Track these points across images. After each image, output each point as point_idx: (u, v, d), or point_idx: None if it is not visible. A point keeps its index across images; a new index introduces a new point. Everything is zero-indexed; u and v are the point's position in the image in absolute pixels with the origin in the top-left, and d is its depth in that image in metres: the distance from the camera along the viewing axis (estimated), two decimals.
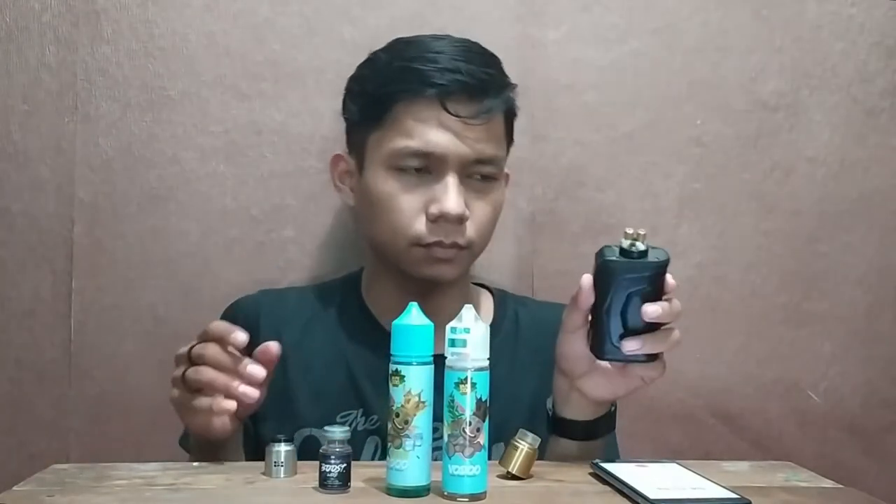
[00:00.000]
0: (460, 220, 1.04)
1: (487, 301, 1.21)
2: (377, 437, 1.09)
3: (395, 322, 0.83)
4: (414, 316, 0.83)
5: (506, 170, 1.17)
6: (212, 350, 0.91)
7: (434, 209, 1.04)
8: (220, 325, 0.93)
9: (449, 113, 1.03)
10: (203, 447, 0.98)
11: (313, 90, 1.29)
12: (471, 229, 1.07)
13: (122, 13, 1.27)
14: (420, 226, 1.05)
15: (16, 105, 1.26)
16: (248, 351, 1.13)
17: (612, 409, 1.02)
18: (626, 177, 1.36)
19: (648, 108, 1.36)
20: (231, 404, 0.91)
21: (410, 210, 1.05)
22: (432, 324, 0.83)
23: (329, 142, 1.27)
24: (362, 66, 1.13)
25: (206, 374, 0.91)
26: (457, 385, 0.81)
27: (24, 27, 1.26)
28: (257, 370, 0.91)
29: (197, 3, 1.28)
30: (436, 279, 1.08)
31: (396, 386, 0.82)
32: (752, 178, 1.38)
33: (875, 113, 1.39)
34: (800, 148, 1.38)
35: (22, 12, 1.26)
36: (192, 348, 0.93)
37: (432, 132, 1.03)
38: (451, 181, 1.04)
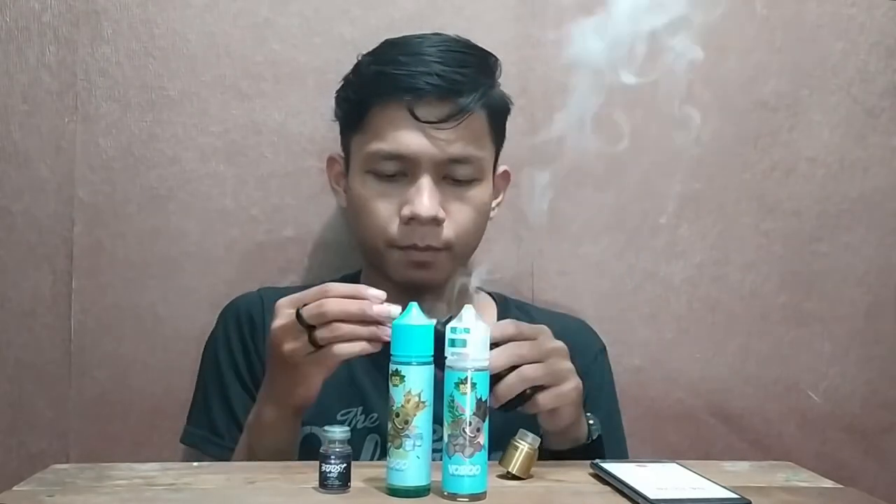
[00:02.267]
0: (434, 222, 1.05)
1: (490, 306, 1.21)
2: (377, 434, 1.09)
3: (395, 322, 0.83)
4: (414, 316, 0.83)
5: (506, 168, 1.17)
6: (337, 305, 0.88)
7: (406, 211, 1.04)
8: (346, 287, 0.90)
9: (416, 118, 1.03)
10: (294, 416, 0.97)
11: (313, 90, 1.29)
12: (449, 231, 1.06)
13: (122, 13, 1.27)
14: (394, 228, 1.06)
15: (16, 105, 1.26)
16: (246, 350, 1.13)
17: (582, 441, 1.00)
18: (626, 177, 1.36)
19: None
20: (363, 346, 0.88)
21: (386, 212, 1.06)
22: (432, 324, 0.83)
23: (329, 142, 1.26)
24: (351, 70, 1.14)
25: (334, 332, 0.87)
26: (457, 385, 0.81)
27: (24, 27, 1.26)
28: (393, 309, 0.87)
29: (197, 3, 1.28)
30: (416, 283, 1.08)
31: (396, 386, 0.82)
32: (752, 178, 1.38)
33: (875, 113, 1.39)
34: (800, 148, 1.38)
35: (22, 12, 1.26)
36: (298, 316, 0.89)
37: (403, 134, 1.04)
38: (425, 183, 1.05)
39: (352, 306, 0.88)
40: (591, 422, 1.02)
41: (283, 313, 0.91)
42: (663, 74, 1.36)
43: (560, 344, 0.95)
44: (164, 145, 1.28)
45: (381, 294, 0.89)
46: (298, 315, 0.89)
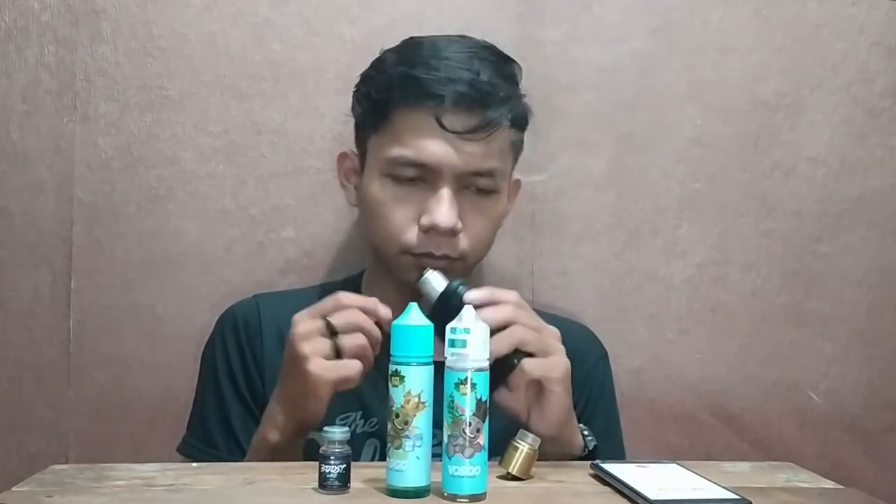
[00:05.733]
0: (452, 232, 1.03)
1: None
2: (376, 439, 1.08)
3: (395, 322, 0.83)
4: (414, 316, 0.83)
5: (517, 177, 1.16)
6: (363, 319, 0.94)
7: (425, 220, 1.02)
8: (360, 298, 0.96)
9: (444, 128, 1.01)
10: (298, 436, 0.99)
11: (313, 90, 1.29)
12: (464, 242, 1.05)
13: (121, 13, 1.27)
14: (411, 235, 1.04)
15: (15, 105, 1.26)
16: (244, 359, 1.12)
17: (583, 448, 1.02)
18: (626, 177, 1.36)
19: (648, 108, 1.36)
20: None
21: (403, 219, 1.04)
22: (432, 324, 0.83)
23: (328, 142, 1.27)
24: (372, 66, 1.11)
25: (360, 340, 0.93)
26: (457, 386, 0.81)
27: (23, 27, 1.26)
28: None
29: (197, 3, 1.28)
30: None
31: (396, 386, 0.81)
32: (752, 178, 1.37)
33: (875, 113, 1.39)
34: (800, 148, 1.38)
35: (21, 12, 1.26)
36: (326, 318, 0.94)
37: (428, 142, 1.02)
38: (445, 193, 1.03)
39: (375, 330, 0.94)
40: (585, 433, 1.02)
41: (305, 322, 0.95)
42: (664, 73, 1.36)
43: (554, 328, 0.98)
44: (164, 145, 1.28)
45: (389, 313, 0.94)
46: (328, 322, 0.93)
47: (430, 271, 1.00)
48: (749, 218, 1.37)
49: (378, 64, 1.10)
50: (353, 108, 1.12)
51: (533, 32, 1.34)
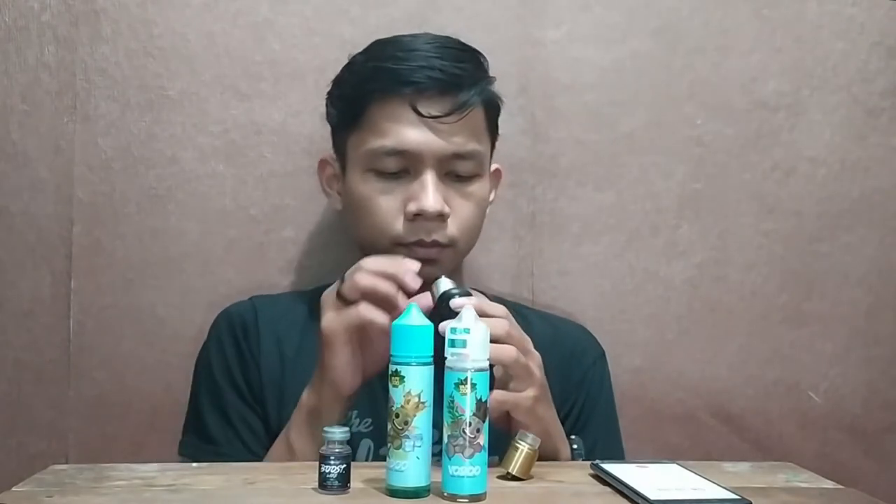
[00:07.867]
0: (440, 217, 1.04)
1: None
2: (370, 440, 1.08)
3: (395, 322, 0.83)
4: (413, 316, 0.83)
5: (498, 167, 1.16)
6: (369, 280, 0.93)
7: (412, 207, 1.03)
8: (377, 262, 0.96)
9: (419, 114, 1.02)
10: (333, 400, 0.97)
11: (313, 90, 1.29)
12: (453, 227, 1.06)
13: (121, 13, 1.27)
14: (399, 225, 1.05)
15: (15, 105, 1.26)
16: (242, 357, 1.12)
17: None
18: (626, 177, 1.36)
19: (648, 108, 1.36)
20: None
21: (389, 210, 1.05)
22: (432, 324, 0.83)
23: (328, 142, 1.26)
24: (342, 70, 1.13)
25: (362, 282, 0.93)
26: (457, 386, 0.81)
27: (23, 27, 1.26)
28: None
29: (197, 2, 1.28)
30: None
31: (396, 387, 0.81)
32: (752, 178, 1.37)
33: (876, 113, 1.39)
34: (800, 148, 1.38)
35: (21, 12, 1.26)
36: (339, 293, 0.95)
37: (406, 130, 1.03)
38: (429, 178, 1.04)
39: (381, 286, 0.93)
40: (574, 446, 1.02)
41: (329, 293, 0.97)
42: (664, 73, 1.36)
43: (537, 354, 0.95)
44: (164, 145, 1.28)
45: (415, 265, 0.95)
46: (339, 292, 0.95)
47: (443, 278, 0.97)
48: (749, 218, 1.37)
49: (348, 66, 1.12)
50: (328, 113, 1.14)
51: (533, 32, 1.34)
